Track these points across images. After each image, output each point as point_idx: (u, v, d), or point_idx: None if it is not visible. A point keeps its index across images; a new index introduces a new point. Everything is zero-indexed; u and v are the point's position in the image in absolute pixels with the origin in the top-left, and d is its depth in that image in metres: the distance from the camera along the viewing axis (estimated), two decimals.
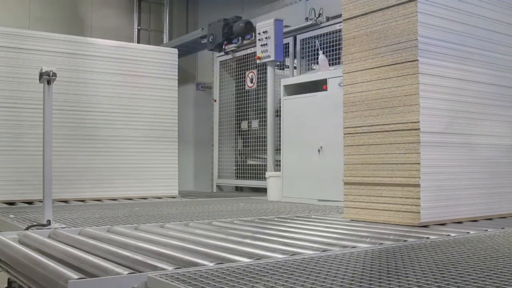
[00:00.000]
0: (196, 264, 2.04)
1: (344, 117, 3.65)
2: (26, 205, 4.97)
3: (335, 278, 1.74)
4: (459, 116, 3.50)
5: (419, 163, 3.19)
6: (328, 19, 6.18)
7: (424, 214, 3.20)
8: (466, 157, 3.55)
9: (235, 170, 7.72)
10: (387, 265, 1.98)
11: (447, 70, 3.44)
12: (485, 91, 3.70)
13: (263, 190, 6.46)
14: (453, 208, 3.43)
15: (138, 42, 10.32)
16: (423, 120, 3.22)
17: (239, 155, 7.70)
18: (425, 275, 1.79)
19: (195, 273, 1.80)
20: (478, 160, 3.64)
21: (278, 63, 6.52)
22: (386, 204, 3.37)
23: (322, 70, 5.30)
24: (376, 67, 3.48)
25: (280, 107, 5.69)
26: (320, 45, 6.11)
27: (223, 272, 1.83)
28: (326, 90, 5.04)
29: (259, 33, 6.33)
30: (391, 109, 3.37)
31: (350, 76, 3.64)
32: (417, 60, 3.24)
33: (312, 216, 3.84)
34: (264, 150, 6.86)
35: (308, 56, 6.49)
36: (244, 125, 7.49)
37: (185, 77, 9.66)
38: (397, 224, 3.26)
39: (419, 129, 3.21)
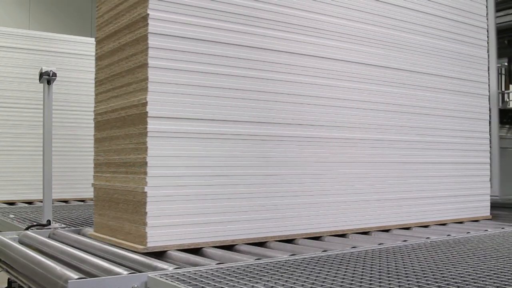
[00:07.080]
0: (196, 264, 2.04)
1: (94, 101, 2.88)
2: (26, 205, 4.97)
3: (335, 278, 1.74)
4: (209, 94, 2.47)
5: (146, 163, 2.30)
6: None
7: (152, 237, 2.28)
8: (226, 153, 2.51)
9: None
10: (387, 265, 1.98)
11: (190, 28, 2.43)
12: (265, 60, 2.64)
13: None
14: (199, 227, 2.41)
15: None
16: (152, 100, 2.32)
17: None
18: (425, 275, 1.79)
19: (195, 273, 1.80)
20: (260, 158, 2.61)
21: None
22: (121, 220, 2.48)
23: None
24: (115, 31, 2.60)
25: None
26: None
27: (223, 272, 1.83)
28: None
29: None
30: (127, 87, 2.48)
31: (100, 45, 2.82)
32: (148, 14, 2.33)
33: None
34: None
35: None
36: None
37: None
38: (127, 250, 2.32)
39: (147, 113, 2.31)
